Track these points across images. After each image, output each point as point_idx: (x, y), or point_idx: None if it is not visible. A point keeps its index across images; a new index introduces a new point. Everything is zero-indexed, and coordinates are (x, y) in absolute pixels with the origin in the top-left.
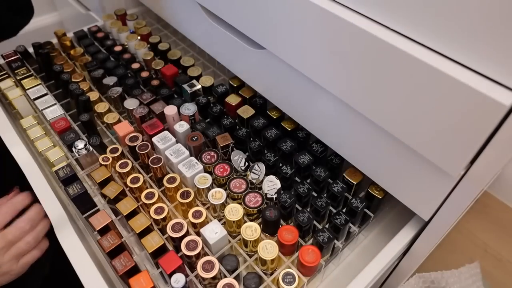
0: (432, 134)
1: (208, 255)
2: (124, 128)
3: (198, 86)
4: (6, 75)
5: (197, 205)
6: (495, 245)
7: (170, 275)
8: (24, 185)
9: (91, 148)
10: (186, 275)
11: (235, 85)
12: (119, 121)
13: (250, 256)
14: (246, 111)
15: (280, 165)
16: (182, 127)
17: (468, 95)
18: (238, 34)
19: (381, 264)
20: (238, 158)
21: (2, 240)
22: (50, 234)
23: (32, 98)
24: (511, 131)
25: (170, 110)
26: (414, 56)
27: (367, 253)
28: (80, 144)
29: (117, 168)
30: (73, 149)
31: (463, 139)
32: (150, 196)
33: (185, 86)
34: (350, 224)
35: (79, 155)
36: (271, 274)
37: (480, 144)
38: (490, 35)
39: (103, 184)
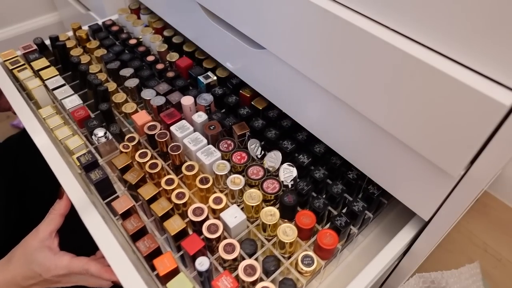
0: (432, 134)
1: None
2: (142, 117)
3: (214, 78)
4: (25, 66)
5: (215, 192)
6: (495, 245)
7: (193, 258)
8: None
9: (110, 136)
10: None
11: None
12: (136, 111)
13: (268, 241)
14: (260, 102)
15: (296, 154)
16: (200, 117)
17: (468, 95)
18: (238, 34)
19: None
20: (255, 147)
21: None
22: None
23: (50, 88)
24: (511, 131)
25: (187, 100)
26: (414, 56)
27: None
28: (100, 132)
29: (137, 158)
30: (93, 137)
31: (463, 139)
32: (170, 182)
33: (200, 77)
34: (366, 211)
35: (98, 143)
36: (289, 258)
37: (480, 144)
38: (490, 35)
39: (124, 170)
